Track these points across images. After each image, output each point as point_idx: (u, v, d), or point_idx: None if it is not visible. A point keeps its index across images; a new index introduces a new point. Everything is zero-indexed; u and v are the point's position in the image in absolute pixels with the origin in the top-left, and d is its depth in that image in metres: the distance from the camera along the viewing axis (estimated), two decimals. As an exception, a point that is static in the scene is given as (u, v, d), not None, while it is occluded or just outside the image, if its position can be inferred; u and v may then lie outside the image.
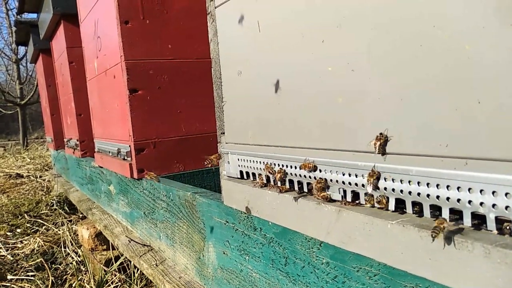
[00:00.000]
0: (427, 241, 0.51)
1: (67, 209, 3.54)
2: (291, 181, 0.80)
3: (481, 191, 0.47)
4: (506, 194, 0.44)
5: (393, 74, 0.56)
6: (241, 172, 0.97)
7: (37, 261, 2.49)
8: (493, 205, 0.46)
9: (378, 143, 0.58)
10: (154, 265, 1.46)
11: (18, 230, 3.10)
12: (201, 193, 1.20)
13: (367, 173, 0.61)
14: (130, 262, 1.98)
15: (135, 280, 1.94)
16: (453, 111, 0.49)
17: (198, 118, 1.75)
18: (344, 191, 0.67)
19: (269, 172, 0.83)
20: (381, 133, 0.58)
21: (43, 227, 3.15)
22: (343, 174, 0.66)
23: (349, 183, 0.65)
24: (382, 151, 0.58)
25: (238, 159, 0.97)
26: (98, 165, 2.28)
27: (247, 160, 0.93)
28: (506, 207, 0.45)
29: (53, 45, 3.34)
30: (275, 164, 0.83)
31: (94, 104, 2.27)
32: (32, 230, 3.11)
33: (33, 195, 4.30)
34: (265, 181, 0.87)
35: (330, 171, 0.69)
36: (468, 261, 0.46)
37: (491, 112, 0.45)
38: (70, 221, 3.26)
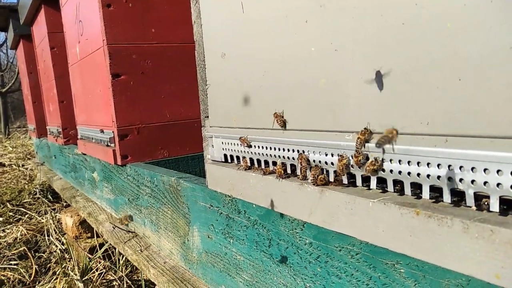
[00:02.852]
0: (407, 218, 0.51)
1: (50, 197, 3.49)
2: (275, 163, 0.80)
3: (460, 167, 0.48)
4: (485, 170, 0.45)
5: (376, 53, 0.56)
6: (225, 155, 0.96)
7: (20, 249, 2.46)
8: (472, 181, 0.47)
9: (362, 137, 0.59)
10: (139, 251, 1.45)
11: (0, 219, 3.05)
12: (186, 178, 1.20)
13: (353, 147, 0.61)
14: (115, 249, 1.97)
15: (120, 267, 1.93)
16: (434, 89, 0.49)
17: (183, 104, 1.73)
18: (327, 171, 0.67)
19: (246, 145, 0.84)
20: (365, 128, 0.59)
21: (26, 216, 3.10)
22: (326, 155, 0.66)
23: (332, 163, 0.65)
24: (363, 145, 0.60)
25: (222, 143, 0.96)
26: (81, 152, 2.25)
27: (231, 144, 0.93)
28: (485, 183, 0.45)
29: (34, 30, 3.26)
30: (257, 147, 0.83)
31: (76, 90, 2.23)
32: (15, 219, 3.07)
33: (16, 184, 4.23)
34: (249, 164, 0.87)
35: (313, 151, 0.69)
36: (448, 237, 0.47)
37: (471, 90, 0.45)
38: (54, 209, 3.22)
